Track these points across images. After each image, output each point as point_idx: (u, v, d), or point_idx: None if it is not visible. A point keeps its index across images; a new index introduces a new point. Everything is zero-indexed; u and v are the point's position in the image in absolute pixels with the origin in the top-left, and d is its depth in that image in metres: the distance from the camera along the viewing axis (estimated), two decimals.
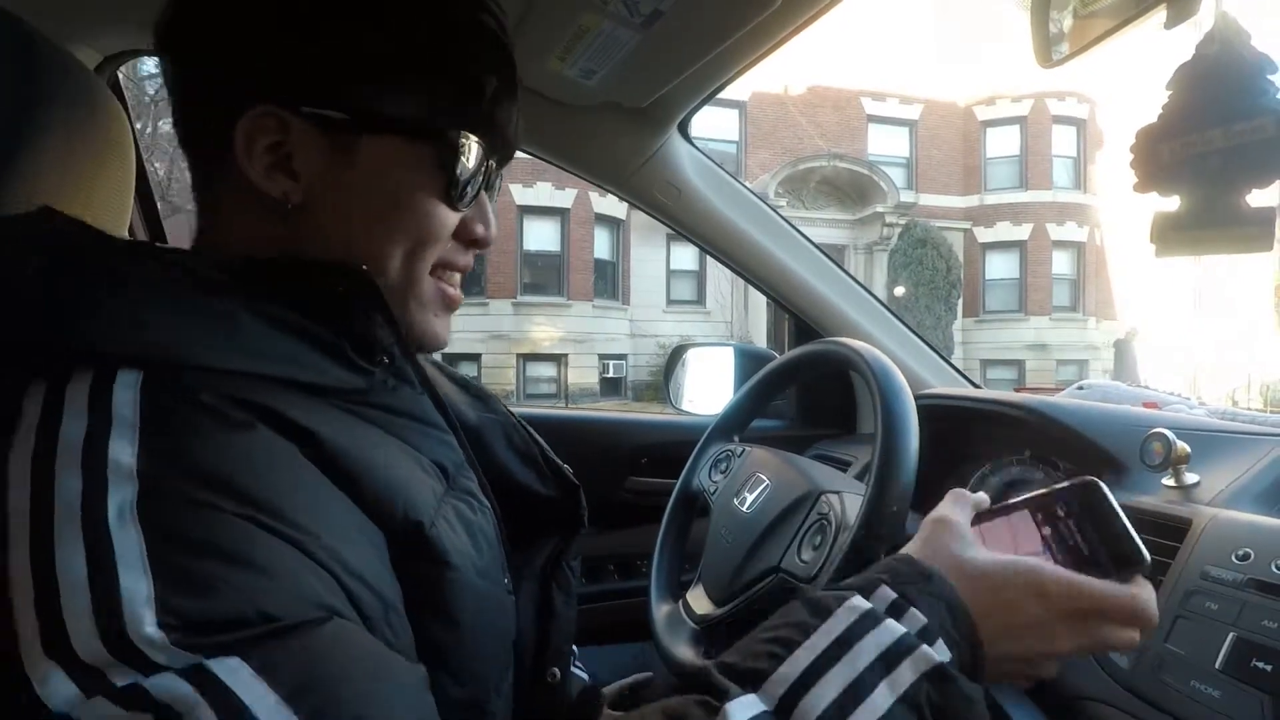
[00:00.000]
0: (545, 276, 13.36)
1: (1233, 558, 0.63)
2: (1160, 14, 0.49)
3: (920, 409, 1.18)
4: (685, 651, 0.89)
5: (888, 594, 0.44)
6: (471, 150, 0.51)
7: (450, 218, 0.53)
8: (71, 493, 0.34)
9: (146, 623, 0.32)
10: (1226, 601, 0.61)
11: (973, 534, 0.52)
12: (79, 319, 0.39)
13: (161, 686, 0.31)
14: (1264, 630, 0.57)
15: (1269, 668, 0.55)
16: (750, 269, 1.28)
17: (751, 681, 0.40)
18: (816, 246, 1.34)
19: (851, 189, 14.82)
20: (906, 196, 14.86)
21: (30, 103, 0.53)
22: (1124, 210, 15.14)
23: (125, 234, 0.66)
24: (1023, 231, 15.39)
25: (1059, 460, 0.98)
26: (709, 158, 1.22)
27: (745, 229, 1.25)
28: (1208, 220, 0.47)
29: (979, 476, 1.13)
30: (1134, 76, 14.58)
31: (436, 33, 0.49)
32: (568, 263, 13.24)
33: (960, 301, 14.82)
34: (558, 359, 13.25)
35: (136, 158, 0.71)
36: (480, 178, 0.54)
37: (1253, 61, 0.46)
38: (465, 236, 0.56)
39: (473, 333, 12.80)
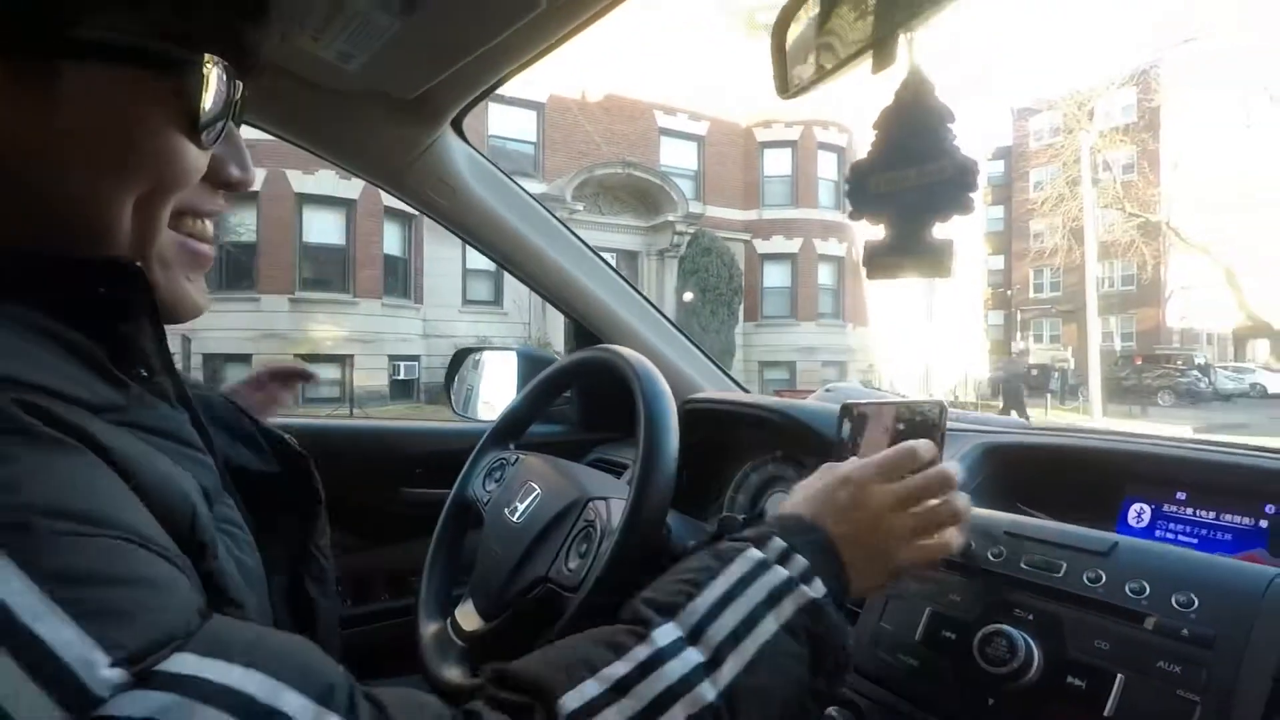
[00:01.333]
0: (328, 271, 12.38)
1: None
2: (868, 61, 0.55)
3: (689, 412, 1.25)
4: (452, 672, 0.86)
5: (779, 544, 0.53)
6: (214, 74, 0.43)
7: (197, 158, 0.44)
8: None
9: (100, 667, 0.29)
10: (924, 582, 0.70)
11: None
12: None
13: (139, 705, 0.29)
14: (950, 604, 0.66)
15: (954, 635, 0.64)
16: (527, 271, 1.27)
17: (669, 612, 0.48)
18: (593, 250, 1.35)
19: (645, 197, 15.44)
20: (695, 207, 15.78)
21: None
22: (869, 231, 17.25)
23: None
24: (794, 245, 16.98)
25: (804, 457, 1.08)
26: (485, 156, 1.19)
27: (522, 231, 1.23)
28: (903, 249, 0.53)
29: (742, 475, 1.21)
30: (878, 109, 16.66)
31: None
32: (354, 258, 12.39)
33: (742, 307, 16.02)
34: (342, 360, 12.34)
35: None
36: (227, 106, 0.45)
37: (936, 110, 0.52)
38: (216, 180, 0.48)
39: (242, 331, 11.53)
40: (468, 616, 0.90)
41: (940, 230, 0.52)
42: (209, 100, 0.43)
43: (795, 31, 0.65)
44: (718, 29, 16.06)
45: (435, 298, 13.68)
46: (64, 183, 0.40)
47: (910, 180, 0.53)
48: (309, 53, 0.87)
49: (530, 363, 1.50)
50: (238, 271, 11.83)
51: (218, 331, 11.16)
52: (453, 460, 1.11)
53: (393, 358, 12.88)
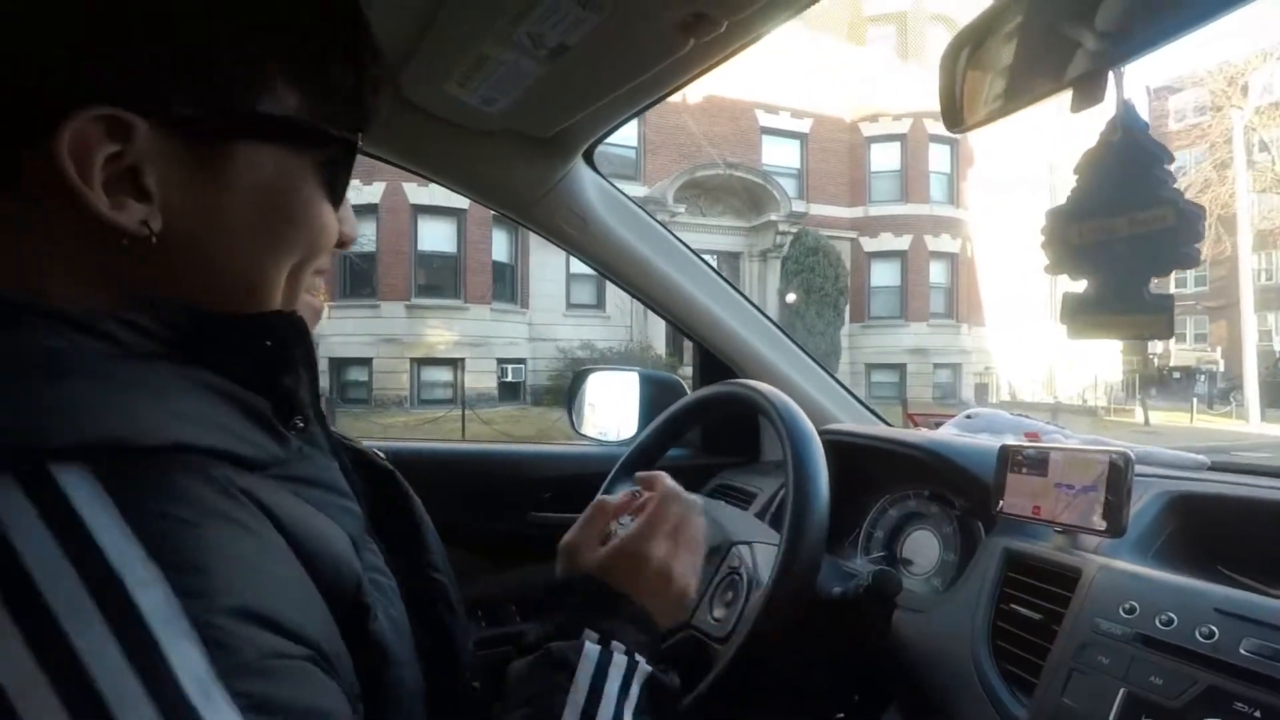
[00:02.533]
0: (441, 278, 12.96)
1: (1120, 611, 0.65)
2: (1066, 97, 0.50)
3: (823, 443, 1.20)
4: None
5: (599, 628, 0.52)
6: (352, 146, 0.46)
7: (334, 220, 0.46)
8: (112, 662, 0.29)
9: None
10: (1116, 656, 0.63)
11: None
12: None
13: None
14: (1151, 686, 0.60)
15: None
16: (657, 300, 1.26)
17: None
18: (726, 279, 1.33)
19: (747, 197, 15.26)
20: (798, 206, 15.45)
21: None
22: (990, 225, 16.32)
23: None
24: (903, 242, 16.32)
25: (955, 498, 1.01)
26: (616, 187, 1.19)
27: (652, 260, 1.22)
28: (1113, 306, 0.48)
29: (879, 509, 1.16)
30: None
31: (311, 14, 0.42)
32: (465, 264, 12.90)
33: (847, 308, 15.54)
34: (454, 363, 12.88)
35: None
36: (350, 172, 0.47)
37: (1151, 152, 0.47)
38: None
39: (363, 336, 12.25)
40: None
41: (1157, 285, 0.47)
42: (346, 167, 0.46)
43: (972, 62, 0.60)
44: (820, 25, 15.67)
45: (540, 302, 14.04)
46: (233, 251, 0.42)
47: (1121, 230, 0.47)
48: (454, 97, 0.89)
49: (651, 384, 1.49)
50: (359, 280, 12.57)
51: (341, 337, 11.90)
52: (580, 485, 1.12)
53: (501, 361, 13.32)
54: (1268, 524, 0.75)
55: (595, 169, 1.15)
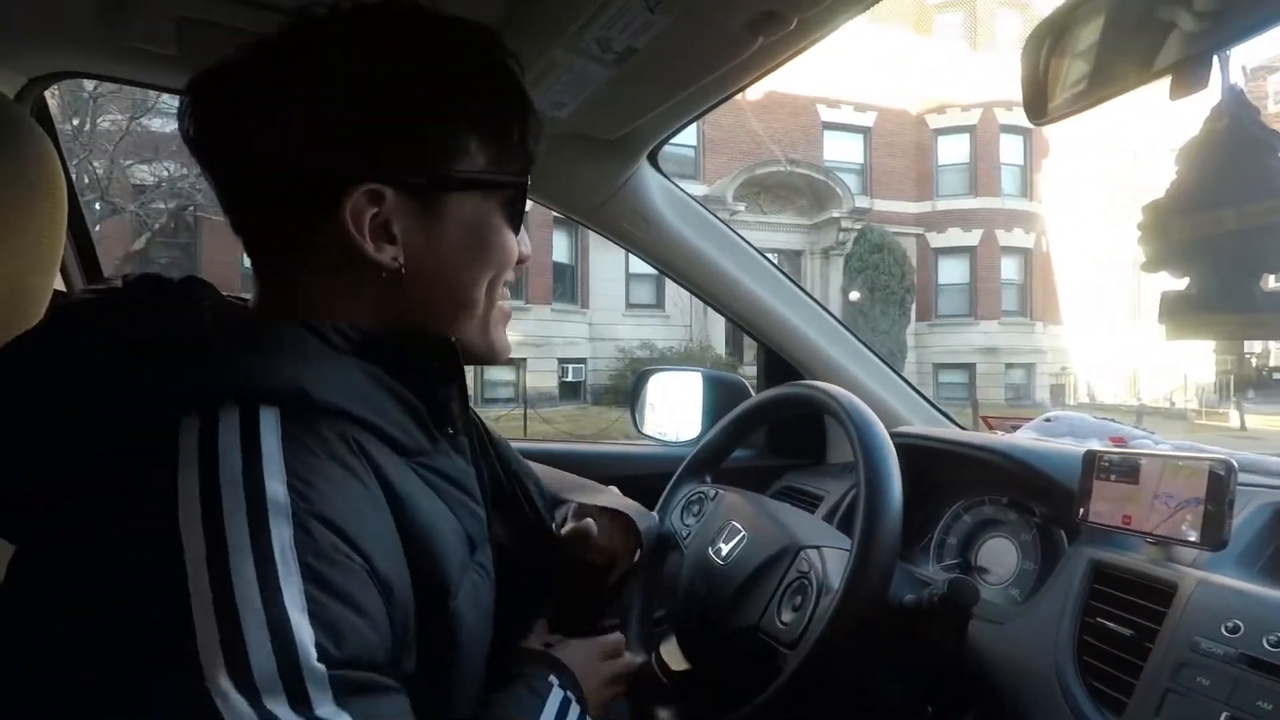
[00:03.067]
0: None
1: (1223, 629, 0.61)
2: (1164, 83, 0.47)
3: (895, 447, 1.17)
4: (661, 712, 0.86)
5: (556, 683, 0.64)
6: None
7: (515, 243, 0.59)
8: (239, 524, 0.39)
9: (313, 658, 0.38)
10: (1218, 677, 0.59)
11: None
12: (230, 366, 0.45)
13: None
14: (1259, 711, 0.56)
15: None
16: (721, 300, 1.25)
17: None
18: (793, 280, 1.31)
19: (808, 194, 15.02)
20: (861, 202, 15.11)
21: None
22: (1068, 219, 15.64)
23: (57, 273, 0.65)
24: (973, 237, 15.78)
25: (1034, 506, 0.97)
26: (680, 188, 1.19)
27: (716, 259, 1.21)
28: (1220, 304, 0.45)
29: (952, 514, 1.12)
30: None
31: (492, 91, 0.55)
32: (527, 266, 13.05)
33: (913, 305, 15.13)
34: (516, 363, 13.10)
35: (69, 189, 0.65)
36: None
37: (1263, 140, 0.44)
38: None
39: None
40: (673, 655, 0.90)
41: (1272, 281, 0.44)
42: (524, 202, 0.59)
43: (1058, 49, 0.57)
44: (884, 16, 15.29)
45: (600, 302, 14.14)
46: (448, 274, 0.56)
47: (1228, 223, 0.44)
48: None
49: (715, 385, 1.48)
50: None
51: None
52: (644, 484, 1.12)
53: (561, 360, 13.48)
54: None
55: (660, 169, 1.15)
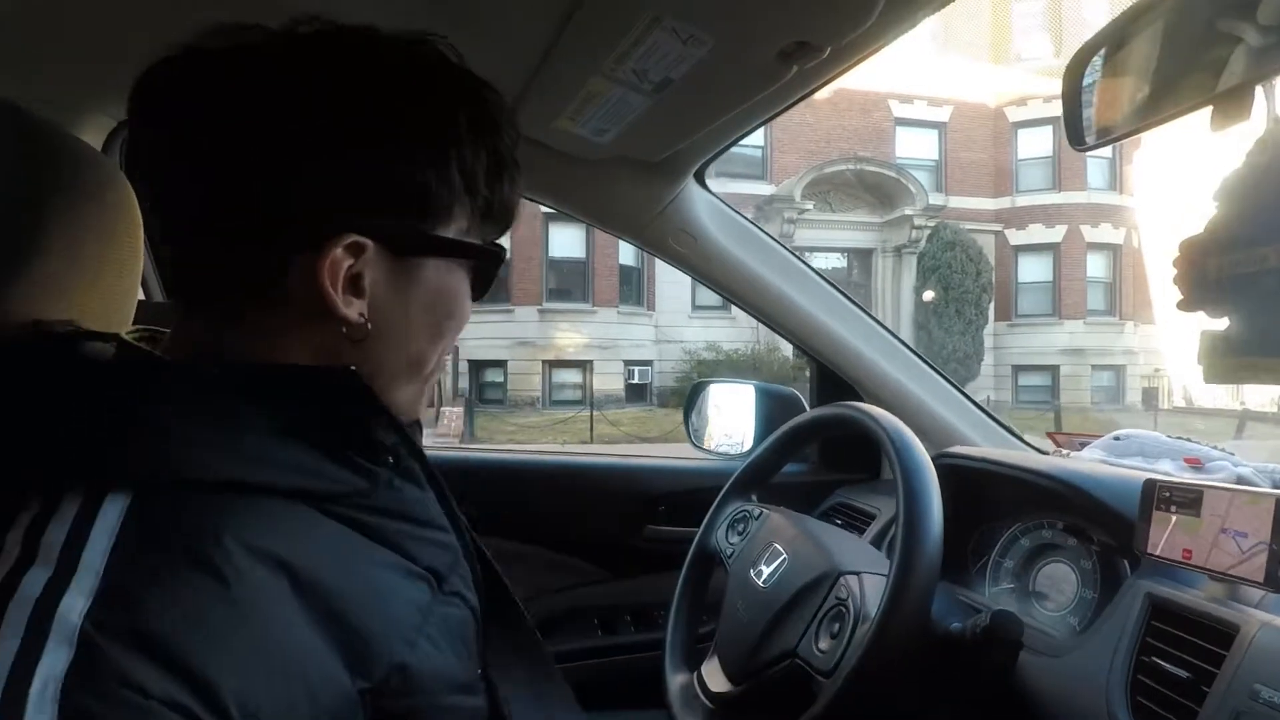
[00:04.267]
0: (571, 282, 13.39)
1: None
2: (1205, 114, 0.46)
3: (946, 466, 1.14)
4: None
5: None
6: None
7: (469, 309, 0.56)
8: (9, 647, 0.33)
9: None
10: None
11: None
12: (78, 440, 0.40)
13: None
14: None
15: None
16: (771, 317, 1.25)
17: None
18: (848, 296, 1.30)
19: (879, 192, 14.66)
20: (935, 199, 14.65)
21: (33, 194, 0.53)
22: (1161, 212, 14.77)
23: (134, 306, 0.65)
24: (1056, 234, 15.08)
25: (1094, 533, 0.93)
26: (726, 204, 1.19)
27: (766, 276, 1.21)
28: (1261, 347, 0.43)
29: (1009, 537, 1.09)
30: None
31: (494, 160, 0.52)
32: (593, 269, 13.26)
33: (991, 305, 14.56)
34: (583, 365, 13.27)
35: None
36: None
37: None
38: None
39: (499, 339, 12.87)
40: (714, 675, 0.90)
41: None
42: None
43: (1100, 75, 0.56)
44: (959, 10, 14.78)
45: (666, 304, 14.17)
46: (411, 336, 0.52)
47: (1270, 260, 0.42)
48: (567, 131, 0.93)
49: (768, 398, 1.47)
50: (494, 285, 13.19)
51: (477, 340, 12.57)
52: (694, 500, 1.13)
53: (628, 363, 13.56)
54: None
55: (707, 188, 1.16)
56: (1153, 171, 15.01)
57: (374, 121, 0.46)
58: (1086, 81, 0.56)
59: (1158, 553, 0.76)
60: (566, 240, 13.21)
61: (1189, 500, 0.74)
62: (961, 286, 14.06)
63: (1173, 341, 15.17)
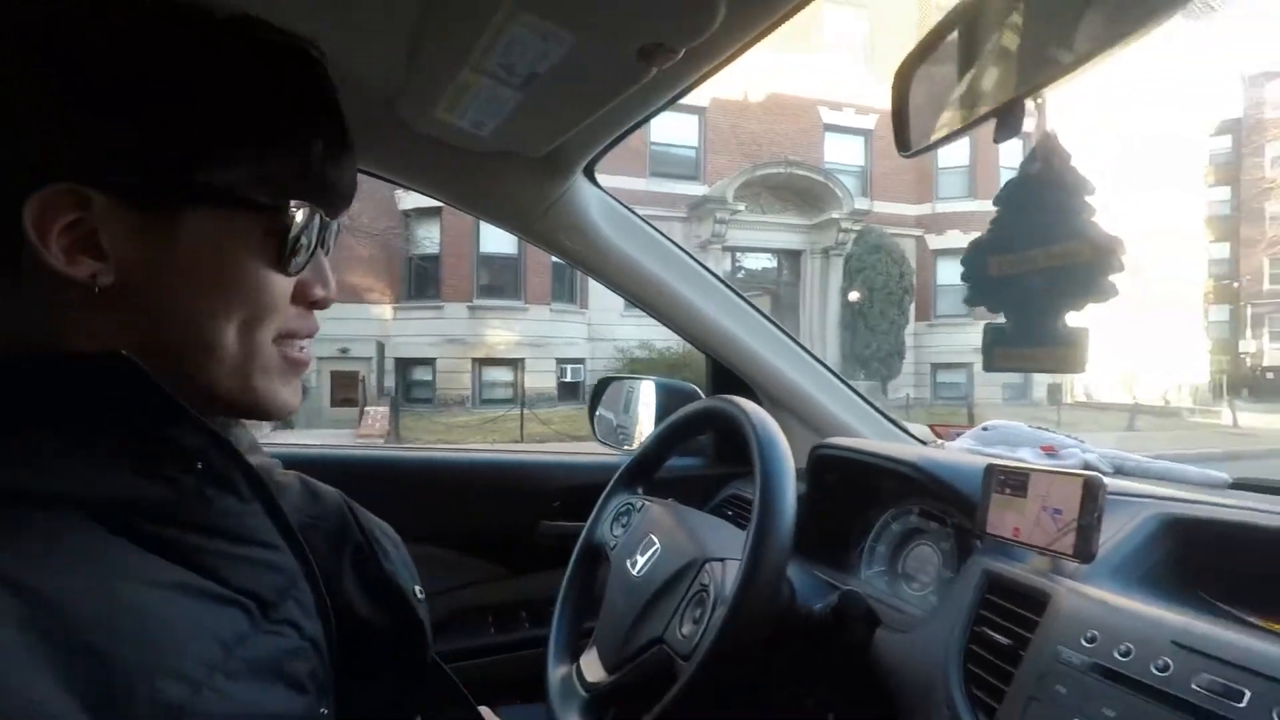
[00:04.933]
0: (502, 279, 13.24)
1: (1082, 640, 0.64)
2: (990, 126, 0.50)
3: (821, 458, 1.20)
4: None
5: None
6: (301, 213, 0.49)
7: (285, 284, 0.50)
8: None
9: None
10: (1074, 686, 0.62)
11: None
12: None
13: None
14: (1104, 719, 0.58)
15: None
16: (663, 313, 1.27)
17: None
18: (737, 292, 1.33)
19: (808, 195, 15.03)
20: (861, 203, 15.13)
21: None
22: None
23: None
24: (972, 239, 15.74)
25: (951, 517, 1.00)
26: (618, 200, 1.21)
27: (658, 273, 1.24)
28: (1028, 339, 0.47)
29: (882, 523, 1.14)
30: (1077, 95, 15.10)
31: (256, 94, 0.46)
32: (525, 265, 13.14)
33: (912, 306, 15.13)
34: (514, 363, 13.14)
35: None
36: (314, 238, 0.51)
37: (1071, 183, 0.46)
38: (304, 300, 0.53)
39: (427, 337, 12.62)
40: (591, 666, 0.92)
41: (1074, 318, 0.46)
42: (295, 236, 0.48)
43: (919, 85, 0.60)
44: (886, 24, 15.29)
45: (599, 302, 14.16)
46: (176, 306, 0.46)
47: (1038, 262, 0.47)
48: (447, 122, 0.93)
49: (669, 394, 1.50)
50: (423, 281, 12.96)
51: (405, 337, 12.29)
52: (590, 495, 1.14)
53: (560, 361, 13.50)
54: (1259, 550, 0.72)
55: (597, 184, 1.18)
56: None
57: (105, 36, 0.42)
58: (908, 93, 0.61)
59: (993, 532, 0.82)
60: (498, 236, 13.02)
61: (1019, 482, 0.79)
62: (885, 288, 14.55)
63: None
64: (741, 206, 14.27)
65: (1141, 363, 16.00)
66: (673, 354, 13.45)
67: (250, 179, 0.46)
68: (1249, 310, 24.89)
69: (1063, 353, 0.45)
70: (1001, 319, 0.49)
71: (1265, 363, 19.83)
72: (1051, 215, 0.46)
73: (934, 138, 0.57)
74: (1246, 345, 21.62)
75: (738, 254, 15.44)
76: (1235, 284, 25.62)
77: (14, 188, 0.41)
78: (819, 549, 1.14)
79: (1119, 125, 15.33)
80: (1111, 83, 15.72)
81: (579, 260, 1.21)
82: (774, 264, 15.81)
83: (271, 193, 0.47)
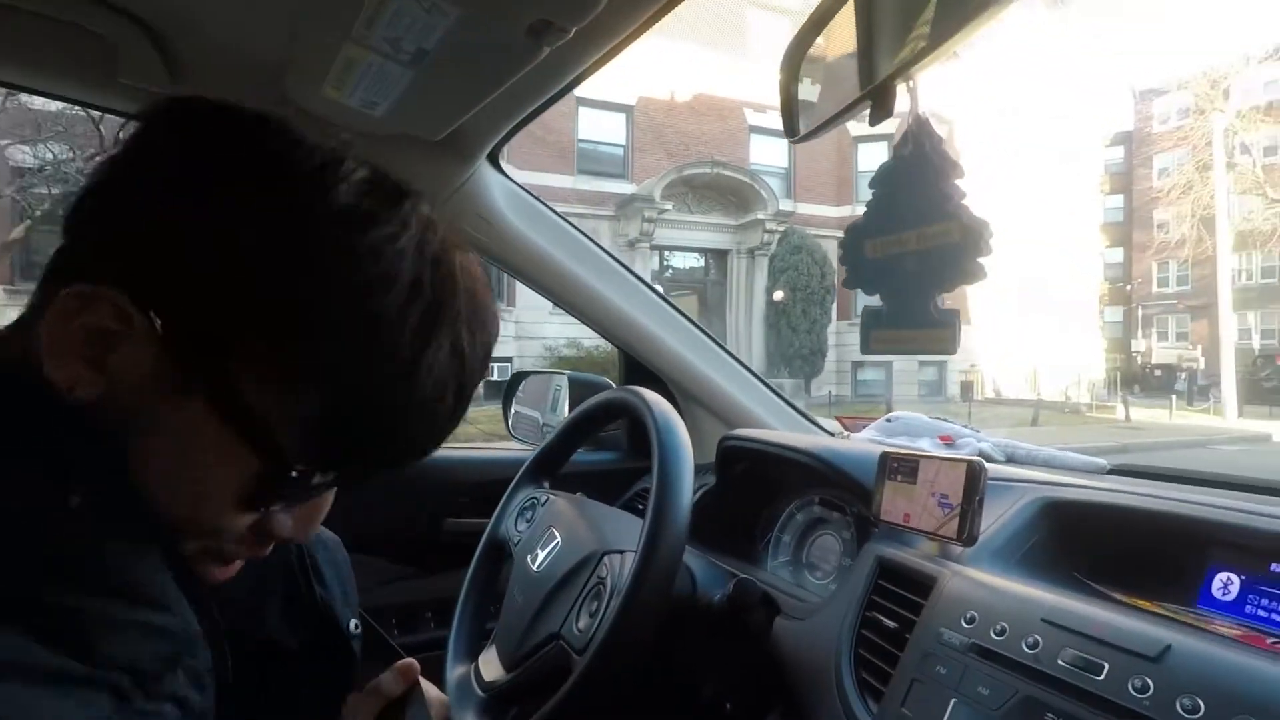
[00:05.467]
0: None
1: (962, 621, 0.65)
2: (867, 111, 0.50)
3: (727, 449, 1.20)
4: None
5: None
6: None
7: (241, 520, 0.44)
8: None
9: None
10: (953, 666, 0.63)
11: None
12: None
13: None
14: (978, 696, 0.60)
15: None
16: (571, 303, 1.26)
17: None
18: (645, 282, 1.32)
19: (734, 195, 15.27)
20: (785, 205, 15.47)
21: None
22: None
23: None
24: None
25: (846, 504, 1.01)
26: (525, 189, 1.18)
27: (564, 263, 1.22)
28: (902, 320, 0.48)
29: (787, 514, 1.16)
30: (984, 101, 15.83)
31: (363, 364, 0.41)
32: None
33: (835, 305, 15.57)
34: None
35: None
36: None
37: (939, 166, 0.47)
38: (267, 533, 0.47)
39: None
40: (490, 664, 0.89)
41: (947, 300, 0.47)
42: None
43: (803, 72, 0.60)
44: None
45: (527, 300, 13.97)
46: (134, 452, 0.40)
47: (910, 244, 0.47)
48: (336, 101, 0.88)
49: (580, 387, 1.49)
50: None
51: None
52: (495, 489, 1.11)
53: None
54: (1125, 530, 0.75)
55: (502, 171, 1.15)
56: (967, 186, 16.59)
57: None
58: (791, 84, 0.61)
59: (887, 518, 0.83)
60: None
61: (909, 469, 0.81)
62: (808, 288, 14.92)
63: (984, 341, 16.89)
64: (669, 206, 14.37)
65: (1045, 361, 16.97)
66: (601, 353, 13.41)
67: (287, 424, 0.41)
68: (1140, 311, 26.74)
69: (935, 334, 0.46)
70: (878, 302, 0.49)
71: (1154, 360, 21.40)
72: (922, 198, 0.46)
73: (817, 124, 0.57)
74: (1138, 344, 23.26)
75: (666, 253, 15.55)
76: (1128, 287, 27.48)
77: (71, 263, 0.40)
78: (727, 540, 1.15)
79: (1022, 134, 16.18)
80: (1017, 96, 16.57)
81: (485, 250, 1.17)
82: (701, 263, 15.99)
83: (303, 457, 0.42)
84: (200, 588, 0.43)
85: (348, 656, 0.60)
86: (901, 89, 0.46)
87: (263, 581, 0.55)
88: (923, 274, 0.46)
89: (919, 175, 0.47)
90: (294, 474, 0.42)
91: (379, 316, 0.40)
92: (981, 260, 0.45)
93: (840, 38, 0.52)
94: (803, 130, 0.61)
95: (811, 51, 0.57)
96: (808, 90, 0.59)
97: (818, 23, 0.55)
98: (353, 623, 0.61)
